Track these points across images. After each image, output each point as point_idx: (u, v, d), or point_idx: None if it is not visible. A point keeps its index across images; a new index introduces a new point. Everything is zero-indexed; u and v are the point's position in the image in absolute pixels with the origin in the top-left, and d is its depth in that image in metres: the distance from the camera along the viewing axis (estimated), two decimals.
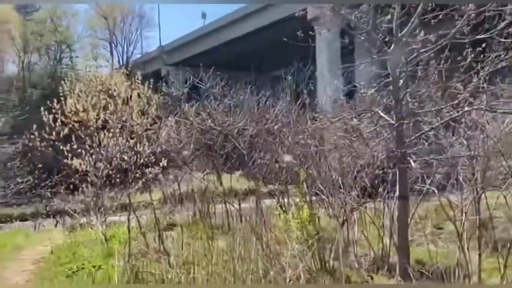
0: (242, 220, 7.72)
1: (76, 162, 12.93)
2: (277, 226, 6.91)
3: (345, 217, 7.42)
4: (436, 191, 6.47)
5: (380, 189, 7.76)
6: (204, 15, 40.31)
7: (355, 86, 6.58)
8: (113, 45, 42.96)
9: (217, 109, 10.29)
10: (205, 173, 10.75)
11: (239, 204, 9.76)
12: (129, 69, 17.11)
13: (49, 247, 9.66)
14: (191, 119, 10.45)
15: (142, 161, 13.97)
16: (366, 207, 8.07)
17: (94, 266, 7.42)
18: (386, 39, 5.73)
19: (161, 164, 14.73)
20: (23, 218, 17.32)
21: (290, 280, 5.37)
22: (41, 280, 7.32)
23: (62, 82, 14.08)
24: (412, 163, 5.41)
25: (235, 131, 9.37)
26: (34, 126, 13.25)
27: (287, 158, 6.79)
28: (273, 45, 24.56)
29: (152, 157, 14.34)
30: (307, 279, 5.52)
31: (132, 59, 40.00)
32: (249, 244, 6.60)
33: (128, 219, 8.13)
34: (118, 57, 42.93)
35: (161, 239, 7.48)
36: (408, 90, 5.59)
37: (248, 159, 8.97)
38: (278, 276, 5.45)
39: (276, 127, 8.44)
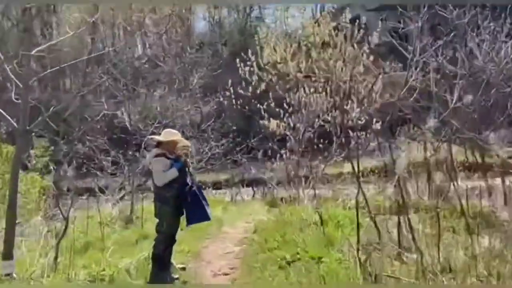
0: None
1: (273, 124, 12.84)
2: None
3: None
4: None
5: None
6: None
7: None
8: None
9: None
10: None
11: None
12: (330, 13, 15.92)
13: (251, 224, 9.17)
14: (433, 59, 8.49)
15: (350, 123, 12.99)
16: None
17: (312, 258, 6.40)
18: None
19: (373, 126, 13.34)
20: (218, 186, 17.94)
21: None
22: (248, 268, 6.55)
23: (258, 28, 13.69)
24: None
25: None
26: (230, 82, 13.51)
27: None
28: None
29: (362, 118, 13.07)
30: None
31: (327, 6, 38.85)
32: None
33: (356, 199, 6.77)
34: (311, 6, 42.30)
35: (407, 228, 5.92)
36: None
37: None
38: None
39: None
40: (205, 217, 6.00)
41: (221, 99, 14.95)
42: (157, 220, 6.00)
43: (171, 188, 5.82)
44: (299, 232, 7.78)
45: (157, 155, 5.89)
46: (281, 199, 11.43)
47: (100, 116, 11.77)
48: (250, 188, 16.34)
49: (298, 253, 6.64)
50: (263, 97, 13.18)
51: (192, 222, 6.01)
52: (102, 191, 12.73)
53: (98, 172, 14.28)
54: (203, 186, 17.60)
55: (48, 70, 8.72)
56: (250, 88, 12.80)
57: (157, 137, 6.23)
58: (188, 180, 5.94)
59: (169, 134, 6.15)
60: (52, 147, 12.99)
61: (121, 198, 12.31)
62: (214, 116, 16.77)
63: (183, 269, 6.48)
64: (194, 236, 8.24)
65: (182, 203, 5.89)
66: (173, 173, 5.78)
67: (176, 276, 6.12)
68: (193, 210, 5.89)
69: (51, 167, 11.15)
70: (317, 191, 10.87)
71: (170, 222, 5.89)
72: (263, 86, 12.81)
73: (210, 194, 16.42)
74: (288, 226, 8.27)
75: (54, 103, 12.33)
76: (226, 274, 6.45)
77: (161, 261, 5.93)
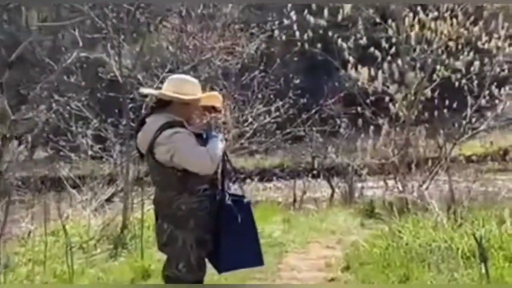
0: None
1: (364, 74, 12.77)
2: None
3: None
4: None
5: None
6: None
7: None
8: None
9: None
10: None
11: None
12: None
13: (338, 253, 8.44)
14: None
15: (497, 70, 13.05)
16: None
17: None
18: None
19: None
20: (268, 177, 18.10)
21: None
22: None
23: None
24: None
25: None
26: None
27: None
28: None
29: None
30: None
31: None
32: None
33: None
34: None
35: None
36: None
37: None
38: None
39: None
40: (254, 260, 5.37)
41: (275, 32, 14.41)
42: (165, 257, 5.32)
43: (193, 192, 4.99)
44: (436, 273, 6.76)
45: (166, 125, 4.88)
46: (387, 204, 10.78)
47: (71, 59, 11.22)
48: (325, 181, 16.01)
49: None
50: (348, 28, 13.60)
51: (225, 269, 5.36)
52: (76, 186, 12.17)
53: (72, 155, 13.86)
54: (244, 175, 17.10)
55: None
56: (326, 12, 12.75)
57: (153, 91, 5.80)
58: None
59: (180, 85, 5.19)
60: None
61: (109, 200, 11.66)
62: (262, 62, 15.90)
63: None
64: (233, 278, 7.26)
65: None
66: (218, 147, 5.04)
67: None
68: (228, 244, 5.15)
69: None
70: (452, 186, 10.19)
71: (191, 261, 5.08)
72: (348, 8, 12.59)
73: (255, 191, 16.11)
74: (411, 260, 7.33)
75: None
76: None
77: None
